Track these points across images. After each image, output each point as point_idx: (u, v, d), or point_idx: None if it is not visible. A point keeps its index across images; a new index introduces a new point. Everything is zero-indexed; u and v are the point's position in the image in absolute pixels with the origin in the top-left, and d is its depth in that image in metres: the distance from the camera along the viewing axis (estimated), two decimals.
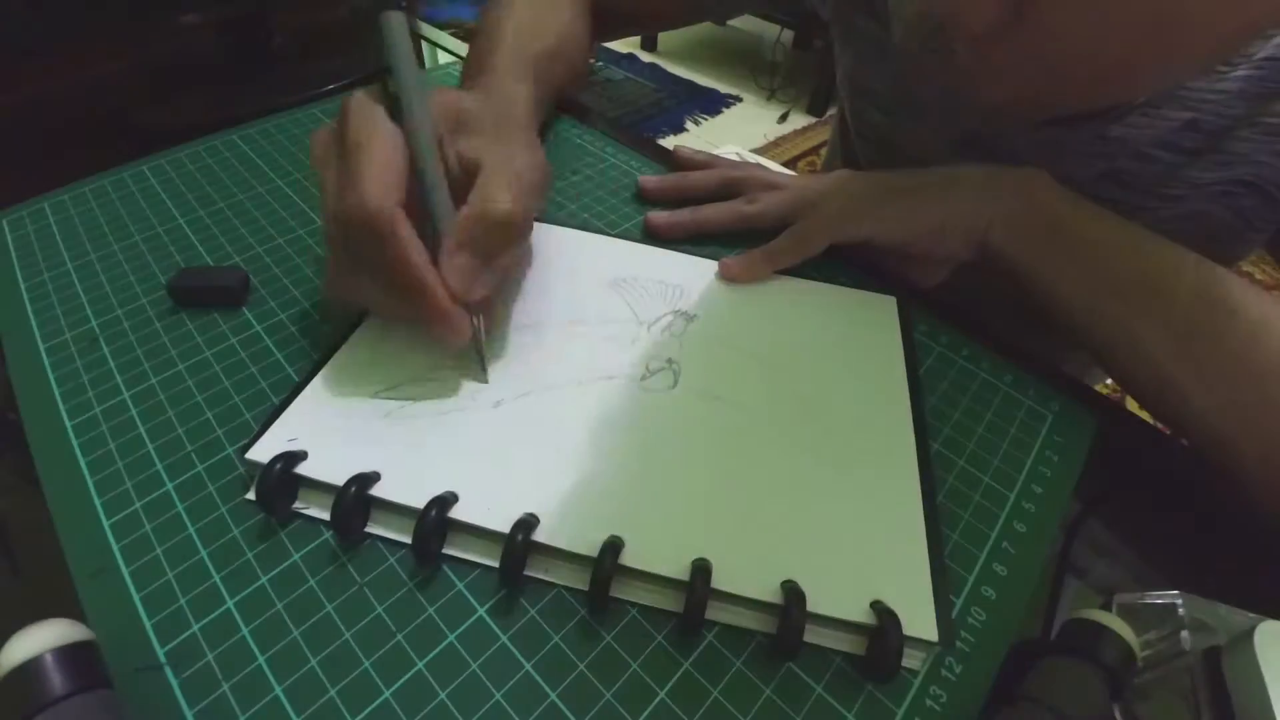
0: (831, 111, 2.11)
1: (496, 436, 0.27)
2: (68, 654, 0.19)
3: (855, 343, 0.33)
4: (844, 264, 0.38)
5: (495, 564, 0.24)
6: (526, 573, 0.24)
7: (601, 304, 0.34)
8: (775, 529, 0.25)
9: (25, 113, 0.50)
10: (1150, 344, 0.30)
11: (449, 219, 0.27)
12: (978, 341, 0.35)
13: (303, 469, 0.25)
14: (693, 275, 0.36)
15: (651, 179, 0.43)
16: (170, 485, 0.26)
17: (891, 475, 0.28)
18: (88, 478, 0.27)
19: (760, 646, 0.24)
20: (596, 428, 0.28)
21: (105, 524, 0.25)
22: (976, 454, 0.30)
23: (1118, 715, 0.22)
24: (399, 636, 0.23)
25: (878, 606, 0.23)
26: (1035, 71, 0.29)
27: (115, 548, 0.25)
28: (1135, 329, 0.31)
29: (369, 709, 0.21)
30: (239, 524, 0.25)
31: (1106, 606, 0.25)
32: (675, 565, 0.24)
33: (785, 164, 1.89)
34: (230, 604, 0.23)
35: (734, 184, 0.42)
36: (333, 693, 0.22)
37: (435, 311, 0.26)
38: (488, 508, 0.25)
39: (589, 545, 0.24)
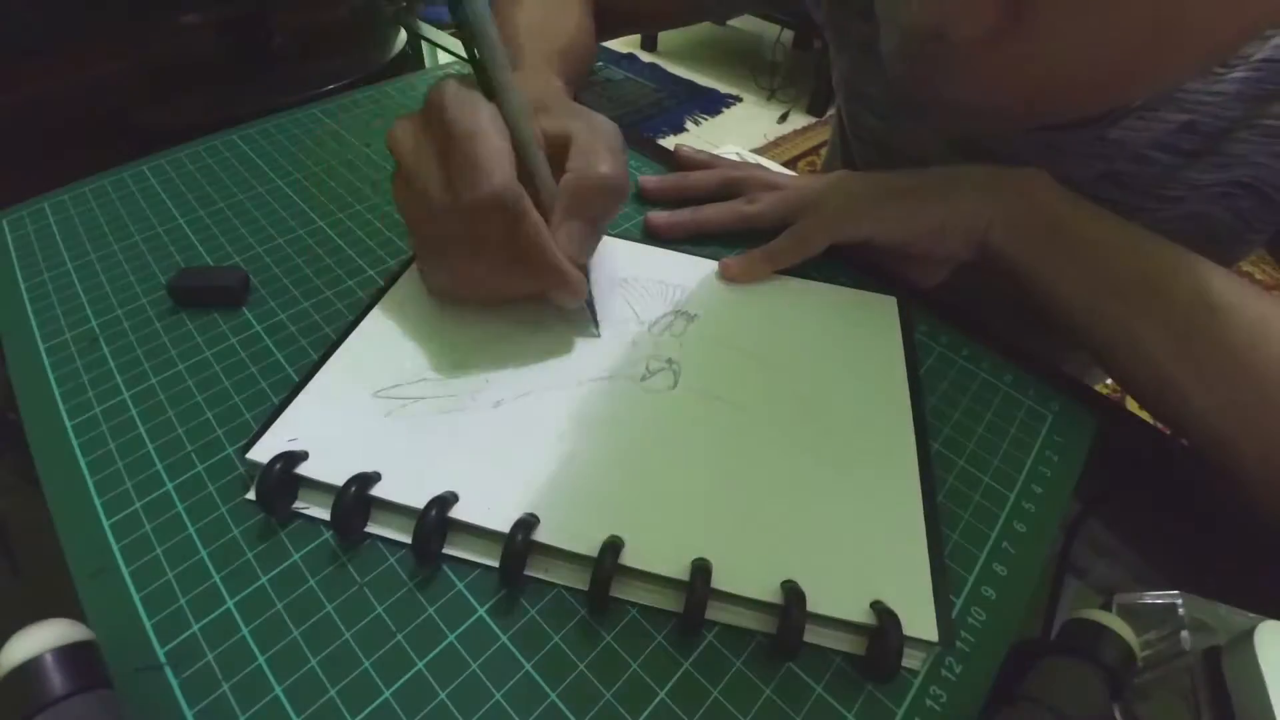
0: (831, 112, 2.11)
1: (496, 436, 0.27)
2: (68, 654, 0.19)
3: (855, 343, 0.33)
4: (844, 264, 0.38)
5: (495, 564, 0.24)
6: (526, 573, 0.24)
7: (602, 304, 0.34)
8: (775, 529, 0.25)
9: (25, 113, 0.50)
10: (1150, 344, 0.30)
11: (552, 191, 0.29)
12: (978, 341, 0.35)
13: (303, 469, 0.25)
14: (693, 275, 0.36)
15: (651, 179, 0.43)
16: (170, 485, 0.26)
17: (891, 475, 0.28)
18: (88, 478, 0.27)
19: (760, 646, 0.24)
20: (596, 428, 0.28)
21: (105, 524, 0.25)
22: (976, 454, 0.30)
23: (1118, 715, 0.22)
24: (399, 636, 0.23)
25: (878, 606, 0.23)
26: (1031, 78, 0.29)
27: (115, 548, 0.25)
28: (1135, 329, 0.31)
29: (369, 709, 0.21)
30: (239, 524, 0.25)
31: (1106, 606, 0.25)
32: (675, 565, 0.24)
33: (785, 164, 1.89)
34: (230, 604, 0.23)
35: (734, 184, 0.42)
36: (333, 693, 0.22)
37: (561, 277, 0.28)
38: (488, 508, 0.25)
39: (589, 545, 0.24)
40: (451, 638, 0.23)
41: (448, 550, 0.25)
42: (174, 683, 0.22)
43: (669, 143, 0.51)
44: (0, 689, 0.18)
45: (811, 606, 0.23)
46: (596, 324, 0.32)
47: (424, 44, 0.63)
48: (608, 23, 0.52)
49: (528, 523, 0.24)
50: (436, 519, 0.24)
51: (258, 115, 0.48)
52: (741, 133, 2.06)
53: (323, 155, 0.44)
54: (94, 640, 0.20)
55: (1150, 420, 0.33)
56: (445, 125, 0.26)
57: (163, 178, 0.42)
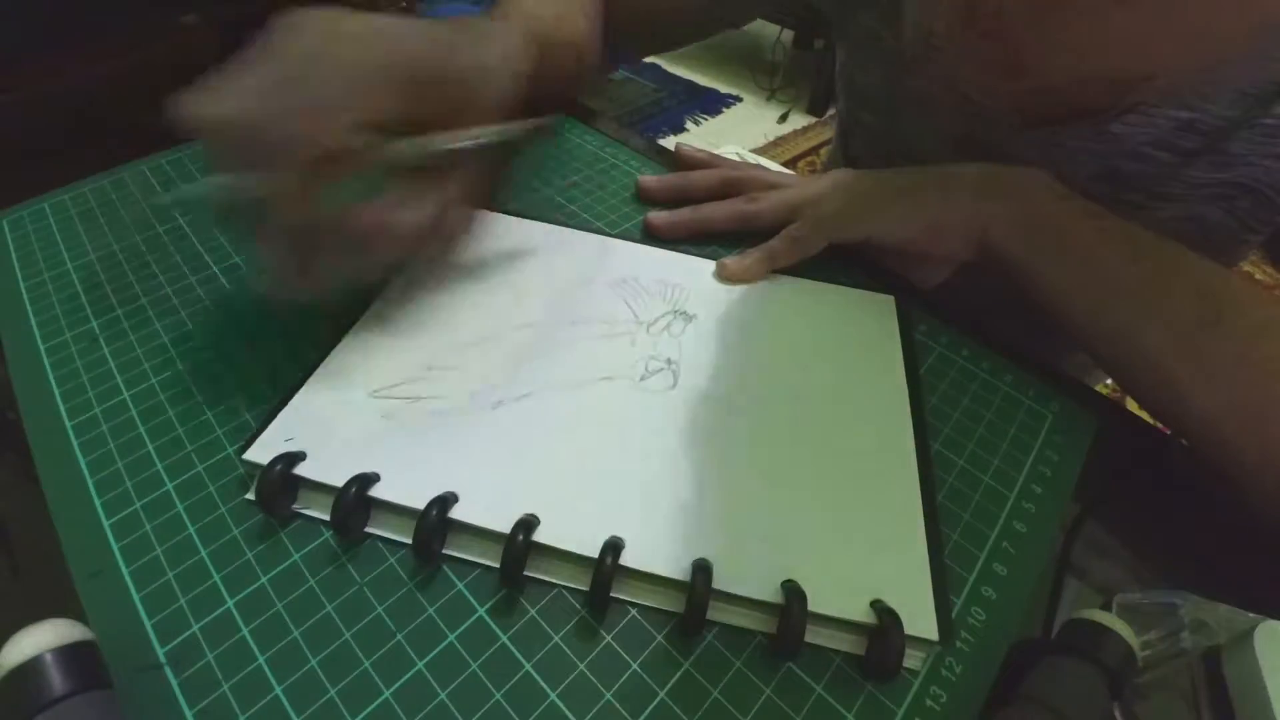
0: (832, 111, 2.11)
1: (496, 436, 0.27)
2: (68, 654, 0.19)
3: (854, 342, 0.33)
4: (844, 264, 0.38)
5: (495, 564, 0.24)
6: (526, 573, 0.24)
7: (601, 304, 0.34)
8: (775, 529, 0.25)
9: (25, 113, 0.50)
10: (1150, 344, 0.30)
11: None
12: (978, 341, 0.35)
13: (302, 470, 0.25)
14: (692, 275, 0.36)
15: (651, 179, 0.43)
16: (170, 485, 0.26)
17: (891, 475, 0.28)
18: (88, 478, 0.27)
19: (760, 646, 0.24)
20: (596, 428, 0.28)
21: (105, 524, 0.25)
22: (976, 454, 0.30)
23: (1118, 715, 0.22)
24: (399, 636, 0.23)
25: (878, 606, 0.23)
26: (1067, 60, 0.29)
27: (115, 548, 0.25)
28: (1135, 329, 0.31)
29: (369, 709, 0.21)
30: (239, 524, 0.25)
31: (1106, 606, 0.25)
32: (675, 565, 0.24)
33: (785, 164, 1.89)
34: (230, 604, 0.23)
35: (734, 184, 0.42)
36: (333, 693, 0.22)
37: None
38: (488, 508, 0.25)
39: (589, 545, 0.24)
40: (451, 638, 0.23)
41: (448, 550, 0.25)
42: (174, 683, 0.22)
43: (669, 143, 0.51)
44: (0, 689, 0.18)
45: (812, 606, 0.23)
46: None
47: None
48: (625, 39, 0.51)
49: (528, 523, 0.24)
50: (437, 519, 0.24)
51: None
52: (741, 133, 2.06)
53: None
54: (94, 640, 0.20)
55: (1150, 420, 0.33)
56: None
57: (163, 178, 0.42)
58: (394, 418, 0.27)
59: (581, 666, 0.23)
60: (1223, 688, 0.22)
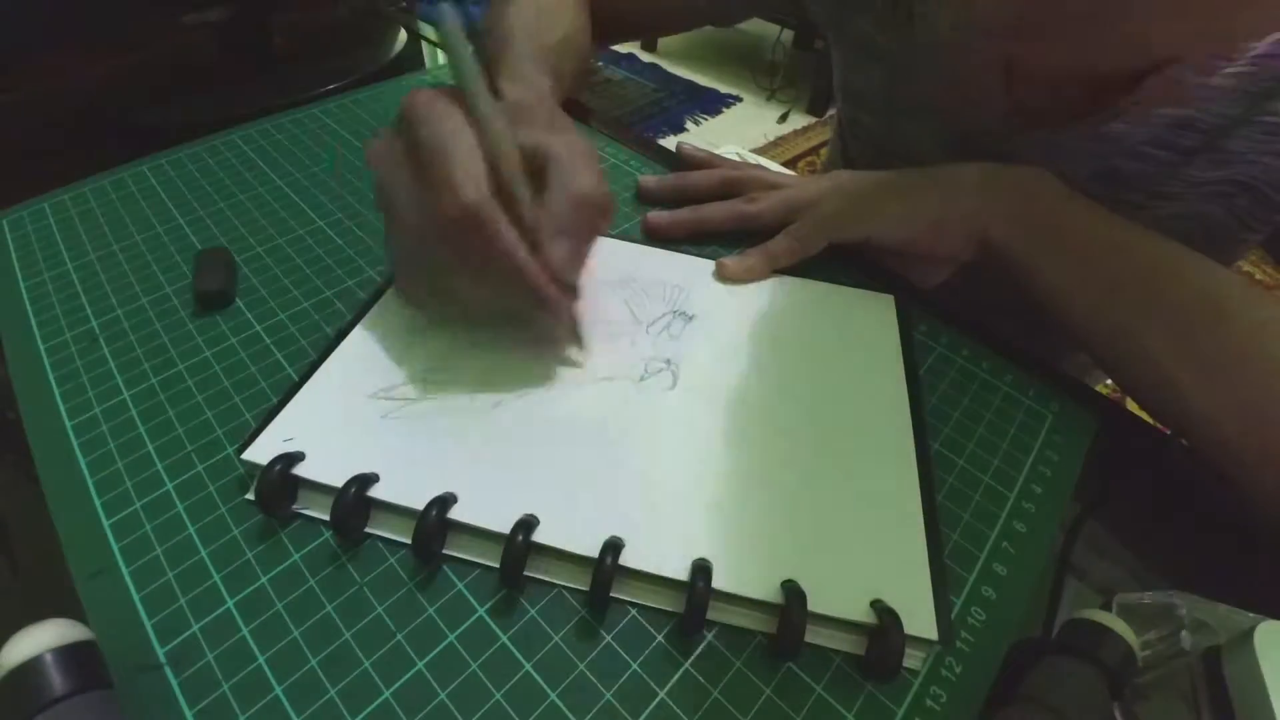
0: (832, 111, 2.11)
1: (496, 436, 0.27)
2: (68, 654, 0.19)
3: (854, 342, 0.33)
4: (844, 264, 0.38)
5: (495, 564, 0.24)
6: (526, 573, 0.24)
7: (601, 304, 0.34)
8: (775, 529, 0.25)
9: (25, 113, 0.50)
10: (1150, 343, 0.30)
11: (529, 207, 0.28)
12: (978, 341, 0.35)
13: (302, 470, 0.25)
14: (692, 275, 0.36)
15: (651, 179, 0.43)
16: (170, 485, 0.26)
17: (891, 475, 0.28)
18: (88, 478, 0.27)
19: (760, 646, 0.24)
20: (596, 428, 0.28)
21: (105, 524, 0.25)
22: (976, 454, 0.30)
23: (1118, 715, 0.22)
24: (399, 636, 0.23)
25: (878, 605, 0.23)
26: (1089, 46, 0.29)
27: (115, 548, 0.25)
28: (1135, 328, 0.31)
29: (369, 709, 0.21)
30: (239, 524, 0.25)
31: (1106, 606, 0.25)
32: (676, 565, 0.24)
33: (785, 164, 1.89)
34: (230, 604, 0.23)
35: (734, 184, 0.42)
36: (333, 693, 0.22)
37: (542, 297, 0.27)
38: (487, 508, 0.25)
39: (589, 545, 0.24)
40: (451, 638, 0.23)
41: (448, 550, 0.25)
42: (174, 683, 0.22)
43: (669, 143, 0.51)
44: (0, 689, 0.18)
45: (812, 606, 0.23)
46: (582, 344, 0.31)
47: (424, 44, 0.63)
48: (608, 30, 0.52)
49: (528, 523, 0.24)
50: (437, 519, 0.24)
51: (258, 115, 0.48)
52: (741, 133, 2.06)
53: (323, 155, 0.44)
54: (94, 640, 0.20)
55: (1150, 420, 0.33)
56: (416, 139, 0.26)
57: (163, 178, 0.42)
58: (393, 418, 0.27)
59: (581, 666, 0.23)
60: (1223, 688, 0.22)
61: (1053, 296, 0.33)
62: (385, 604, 0.24)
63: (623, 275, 0.36)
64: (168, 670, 0.22)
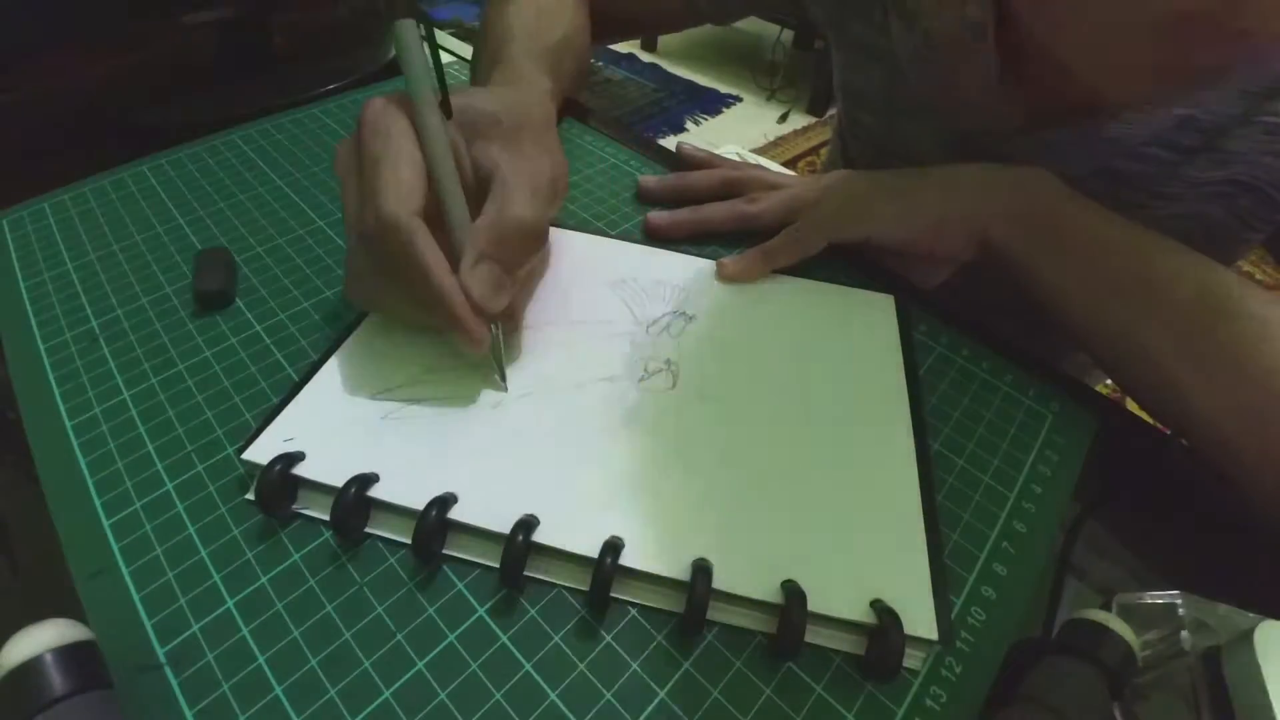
0: (831, 112, 2.11)
1: (496, 437, 0.27)
2: (68, 654, 0.19)
3: (854, 342, 0.33)
4: (844, 264, 0.38)
5: (495, 564, 0.24)
6: (526, 573, 0.24)
7: (601, 304, 0.34)
8: (775, 529, 0.25)
9: (25, 113, 0.50)
10: (1151, 344, 0.30)
11: (465, 229, 0.27)
12: (978, 341, 0.35)
13: (302, 470, 0.25)
14: (692, 275, 0.36)
15: (651, 179, 0.43)
16: (170, 485, 0.26)
17: (891, 475, 0.28)
18: (88, 478, 0.27)
19: (760, 646, 0.24)
20: (596, 428, 0.28)
21: (105, 524, 0.25)
22: (976, 454, 0.30)
23: (1118, 715, 0.22)
24: (399, 636, 0.23)
25: (878, 605, 0.23)
26: (1097, 55, 0.29)
27: (115, 548, 0.25)
28: (1136, 328, 0.31)
29: (369, 709, 0.21)
30: (239, 524, 0.25)
31: (1106, 606, 0.25)
32: (675, 565, 0.24)
33: (785, 164, 1.89)
34: (230, 604, 0.23)
35: (734, 184, 0.42)
36: (333, 693, 0.22)
37: (455, 322, 0.26)
38: (488, 508, 0.25)
39: (589, 545, 0.24)
40: (451, 638, 0.23)
41: (448, 550, 0.25)
42: (174, 683, 0.22)
43: (669, 143, 0.51)
44: (0, 689, 0.18)
45: (812, 606, 0.23)
46: (503, 378, 0.29)
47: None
48: (607, 27, 0.52)
49: (528, 523, 0.24)
50: (437, 519, 0.24)
51: (258, 115, 0.47)
52: (741, 133, 2.06)
53: (323, 155, 0.44)
54: (94, 640, 0.20)
55: (1150, 420, 0.33)
56: (361, 147, 0.26)
57: (163, 178, 0.42)
58: (394, 418, 0.27)
59: (581, 666, 0.23)
60: (1223, 688, 0.22)
61: (1053, 296, 0.33)
62: (385, 604, 0.24)
63: (623, 275, 0.36)
64: (168, 670, 0.22)
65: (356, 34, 0.64)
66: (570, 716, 0.22)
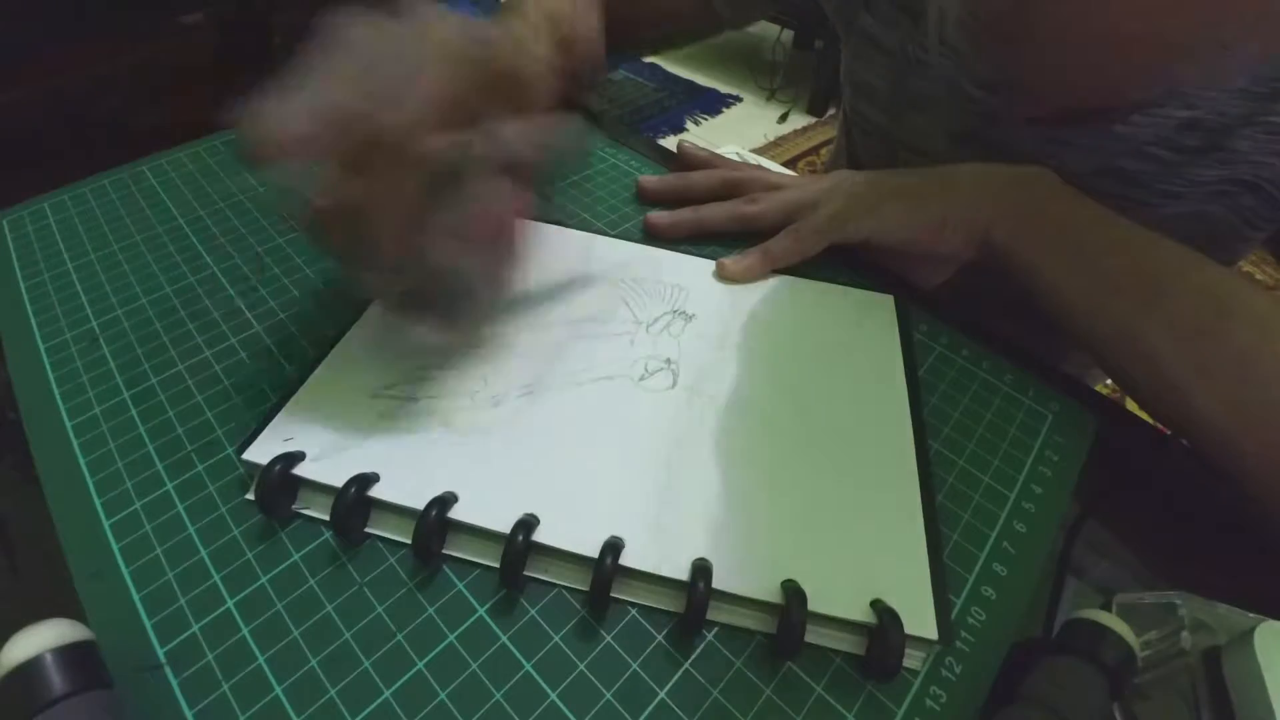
0: (832, 111, 2.10)
1: (496, 436, 0.27)
2: (68, 654, 0.19)
3: (854, 342, 0.33)
4: (844, 264, 0.38)
5: (495, 564, 0.24)
6: (526, 573, 0.24)
7: (601, 304, 0.34)
8: (775, 529, 0.25)
9: (25, 113, 0.50)
10: (1151, 344, 0.30)
11: None
12: (978, 341, 0.35)
13: (302, 470, 0.25)
14: (692, 275, 0.36)
15: (651, 179, 0.43)
16: (170, 485, 0.26)
17: (891, 475, 0.28)
18: (88, 478, 0.27)
19: (760, 646, 0.24)
20: (596, 428, 0.28)
21: (105, 524, 0.25)
22: (976, 454, 0.30)
23: (1118, 715, 0.22)
24: (399, 636, 0.23)
25: (878, 605, 0.23)
26: (1101, 55, 0.29)
27: (115, 548, 0.25)
28: (1136, 328, 0.31)
29: (369, 709, 0.21)
30: (239, 524, 0.25)
31: (1106, 606, 0.25)
32: (675, 565, 0.24)
33: (785, 164, 1.89)
34: (230, 604, 0.23)
35: (734, 184, 0.42)
36: (333, 693, 0.22)
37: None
38: (487, 508, 0.25)
39: (589, 545, 0.24)
40: (451, 638, 0.23)
41: (448, 550, 0.25)
42: (174, 683, 0.22)
43: (669, 143, 0.51)
44: (0, 689, 0.18)
45: (812, 606, 0.23)
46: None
47: None
48: (628, 41, 0.51)
49: (528, 523, 0.24)
50: (437, 519, 0.24)
51: None
52: (741, 133, 2.06)
53: None
54: (94, 640, 0.20)
55: (1150, 420, 0.33)
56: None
57: (163, 178, 0.42)
58: (393, 418, 0.27)
59: (581, 666, 0.23)
60: (1223, 688, 0.22)
61: (1053, 296, 0.33)
62: (385, 604, 0.24)
63: (623, 275, 0.36)
64: (168, 670, 0.22)
65: None
66: (570, 716, 0.22)
